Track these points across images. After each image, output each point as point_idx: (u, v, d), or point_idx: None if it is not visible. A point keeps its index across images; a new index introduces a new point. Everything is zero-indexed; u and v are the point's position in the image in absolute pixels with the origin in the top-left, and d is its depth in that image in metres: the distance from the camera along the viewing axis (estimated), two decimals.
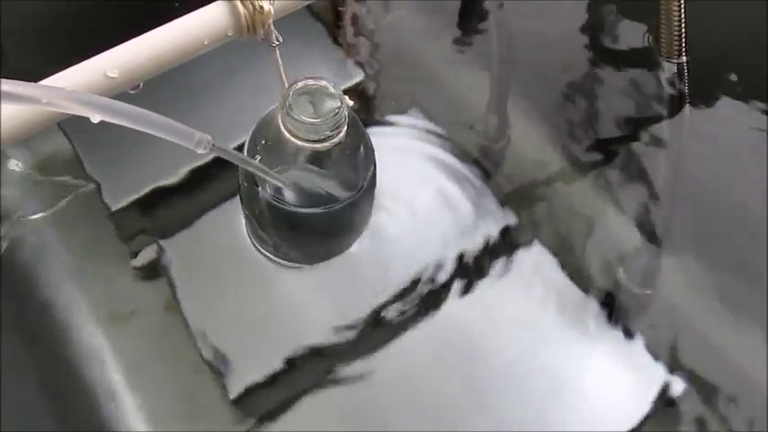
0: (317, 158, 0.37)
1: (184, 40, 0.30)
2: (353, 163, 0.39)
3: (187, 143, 0.29)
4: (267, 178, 0.36)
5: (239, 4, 0.31)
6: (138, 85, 0.30)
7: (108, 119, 0.26)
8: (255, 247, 0.47)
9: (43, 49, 0.52)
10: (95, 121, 0.26)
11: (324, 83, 0.35)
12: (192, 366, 0.43)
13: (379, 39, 0.59)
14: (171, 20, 0.31)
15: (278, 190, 0.39)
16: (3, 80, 0.23)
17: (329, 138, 0.35)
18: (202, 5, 0.32)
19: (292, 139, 0.35)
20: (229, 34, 0.31)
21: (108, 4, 0.53)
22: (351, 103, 0.36)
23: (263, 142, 0.38)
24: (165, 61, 0.30)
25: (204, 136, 0.29)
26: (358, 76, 0.56)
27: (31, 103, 0.24)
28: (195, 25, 0.31)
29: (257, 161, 0.39)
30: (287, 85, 0.36)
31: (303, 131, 0.35)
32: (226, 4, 0.31)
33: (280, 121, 0.36)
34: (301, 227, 0.42)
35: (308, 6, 0.59)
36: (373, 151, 0.41)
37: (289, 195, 0.39)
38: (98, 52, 0.30)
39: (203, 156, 0.49)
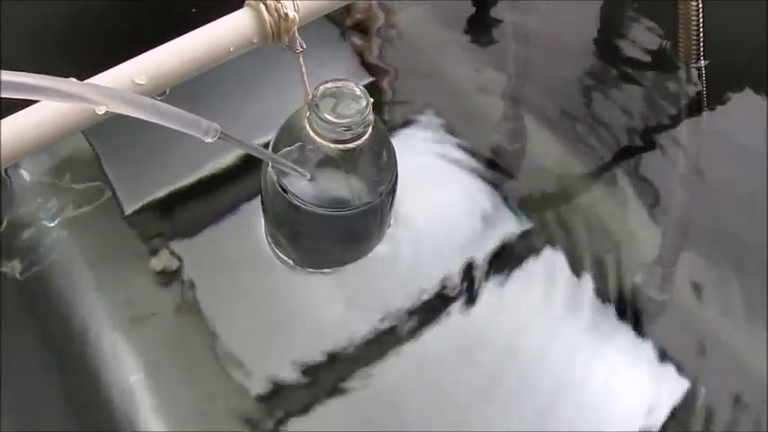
0: (342, 161, 0.37)
1: (210, 48, 0.31)
2: (376, 167, 0.40)
3: (195, 132, 0.28)
4: (281, 167, 0.37)
5: (265, 12, 0.31)
6: (165, 92, 0.31)
7: (113, 109, 0.26)
8: (274, 251, 0.47)
9: (59, 57, 0.52)
10: (100, 113, 0.26)
11: (350, 84, 0.36)
12: (210, 368, 0.44)
13: (393, 42, 0.59)
14: (187, 27, 0.32)
15: (301, 192, 0.39)
16: (3, 71, 0.23)
17: (355, 138, 0.36)
18: (217, 10, 0.32)
19: (318, 139, 0.36)
20: (254, 41, 0.32)
21: (127, 14, 0.54)
22: (371, 99, 0.36)
23: (288, 144, 0.38)
24: (191, 68, 0.30)
25: (212, 124, 0.28)
26: (372, 80, 0.56)
27: (37, 95, 0.24)
28: (221, 32, 0.31)
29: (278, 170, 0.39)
30: (310, 91, 0.36)
31: (329, 132, 0.35)
32: (251, 11, 0.31)
33: (306, 122, 0.36)
34: (323, 230, 0.42)
35: None
36: (395, 156, 0.41)
37: (311, 198, 0.39)
38: (117, 60, 0.31)
39: (222, 159, 0.51)
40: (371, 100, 0.36)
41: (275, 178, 0.39)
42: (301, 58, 0.34)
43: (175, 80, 0.30)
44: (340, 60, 0.57)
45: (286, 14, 0.31)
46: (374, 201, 0.40)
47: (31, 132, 0.29)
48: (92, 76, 0.30)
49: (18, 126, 0.28)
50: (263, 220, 0.47)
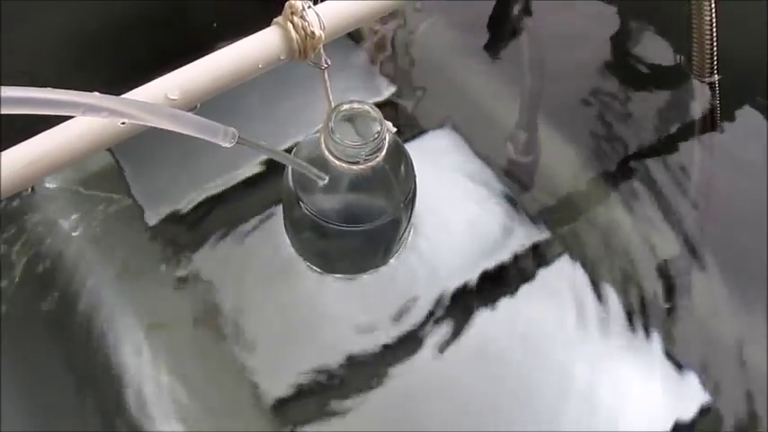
0: (359, 178, 0.38)
1: (241, 64, 0.32)
2: (394, 184, 0.40)
3: (213, 138, 0.29)
4: (298, 168, 0.37)
5: (292, 30, 0.32)
6: (196, 106, 0.32)
7: (133, 119, 0.26)
8: (298, 255, 0.48)
9: (84, 74, 0.53)
10: (120, 124, 0.27)
11: (366, 107, 0.37)
12: (229, 375, 0.44)
13: (410, 54, 0.59)
14: (209, 40, 0.33)
15: (320, 208, 0.40)
16: (7, 87, 0.23)
17: (368, 161, 0.37)
18: (237, 24, 0.33)
19: (334, 161, 0.37)
20: (282, 58, 0.33)
21: (149, 29, 0.55)
22: (393, 129, 0.37)
23: (305, 160, 0.39)
24: (222, 83, 0.31)
25: (230, 129, 0.29)
26: (389, 92, 0.57)
27: (56, 109, 0.25)
28: (251, 50, 0.32)
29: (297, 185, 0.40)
30: (333, 106, 0.37)
31: (344, 154, 0.36)
32: (279, 29, 0.32)
33: (322, 142, 0.37)
34: (341, 243, 0.43)
35: None
36: (414, 173, 0.42)
37: (330, 213, 0.40)
38: (142, 74, 0.32)
39: (243, 168, 0.52)
40: (389, 124, 0.37)
41: (293, 190, 0.40)
42: (326, 74, 0.35)
43: (207, 95, 0.31)
44: (358, 74, 0.58)
45: (312, 32, 0.32)
46: (392, 215, 0.41)
47: (60, 150, 0.29)
48: (117, 91, 0.31)
49: (47, 145, 0.29)
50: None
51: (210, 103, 0.33)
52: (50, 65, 0.53)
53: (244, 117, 0.53)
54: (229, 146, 0.29)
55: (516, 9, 0.62)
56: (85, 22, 0.54)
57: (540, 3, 0.62)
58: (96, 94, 0.26)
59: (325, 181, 0.38)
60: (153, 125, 0.27)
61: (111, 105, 0.26)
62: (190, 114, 0.28)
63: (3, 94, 0.23)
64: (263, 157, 0.52)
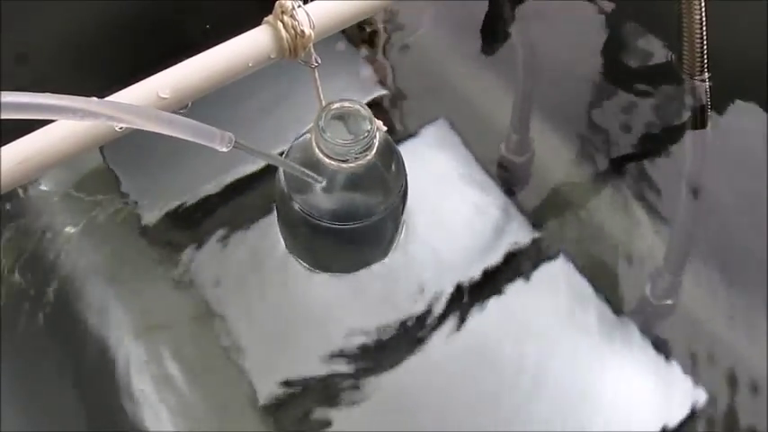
0: (350, 177, 0.39)
1: (231, 63, 0.32)
2: (384, 182, 0.41)
3: (210, 142, 0.29)
4: (295, 173, 0.38)
5: (282, 29, 0.32)
6: (187, 105, 0.32)
7: (130, 124, 0.26)
8: (291, 254, 0.48)
9: (79, 75, 0.54)
10: (118, 129, 0.27)
11: (356, 106, 0.37)
12: (226, 376, 0.45)
13: (404, 54, 0.60)
14: (202, 42, 0.33)
15: (311, 206, 0.40)
16: (6, 92, 0.23)
17: (358, 159, 0.37)
18: (230, 26, 0.34)
19: (325, 159, 0.37)
20: (272, 57, 0.33)
21: (142, 32, 0.55)
22: (384, 128, 0.38)
23: (298, 160, 0.39)
24: (213, 82, 0.32)
25: (226, 134, 0.29)
26: (383, 91, 0.57)
27: (53, 114, 0.25)
28: (241, 49, 0.32)
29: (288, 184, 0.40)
30: (324, 104, 0.37)
31: (334, 152, 0.37)
32: (269, 28, 0.33)
33: (313, 140, 0.37)
34: (332, 241, 0.43)
35: None
36: (405, 172, 0.42)
37: (321, 211, 0.40)
38: (135, 76, 0.32)
39: (238, 168, 0.52)
40: (379, 122, 0.37)
41: (285, 190, 0.41)
42: (316, 73, 0.36)
43: (198, 94, 0.32)
44: (352, 73, 0.58)
45: (302, 31, 0.33)
46: (383, 213, 0.41)
47: (51, 148, 0.30)
48: (111, 91, 0.31)
49: (39, 143, 0.30)
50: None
51: (210, 107, 0.33)
52: (50, 65, 0.54)
53: (243, 121, 0.54)
54: (226, 150, 0.30)
55: (508, 11, 0.62)
56: (85, 22, 0.54)
57: (534, 3, 0.62)
58: (94, 99, 0.26)
59: (323, 183, 0.38)
60: (150, 130, 0.27)
61: (109, 111, 0.26)
62: (187, 119, 0.28)
63: (3, 100, 0.23)
64: None
